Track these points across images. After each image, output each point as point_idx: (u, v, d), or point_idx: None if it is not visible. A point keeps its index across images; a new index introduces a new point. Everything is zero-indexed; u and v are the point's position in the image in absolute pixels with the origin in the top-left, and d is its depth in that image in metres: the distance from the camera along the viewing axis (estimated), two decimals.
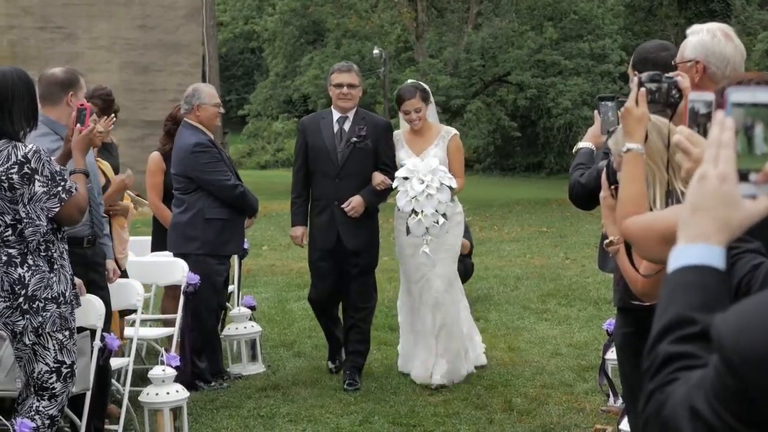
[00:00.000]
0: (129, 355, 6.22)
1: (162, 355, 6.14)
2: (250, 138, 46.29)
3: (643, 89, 3.07)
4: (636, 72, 4.16)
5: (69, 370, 4.83)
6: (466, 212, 8.16)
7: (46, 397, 4.77)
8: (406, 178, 6.97)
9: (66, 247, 4.87)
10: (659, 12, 35.78)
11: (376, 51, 32.53)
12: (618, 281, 3.79)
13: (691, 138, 2.18)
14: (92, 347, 5.35)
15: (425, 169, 6.94)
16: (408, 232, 7.01)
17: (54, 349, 4.75)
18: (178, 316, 6.98)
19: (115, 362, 5.93)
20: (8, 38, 26.08)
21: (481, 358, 7.64)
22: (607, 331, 6.34)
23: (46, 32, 26.35)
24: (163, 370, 5.95)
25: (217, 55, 31.74)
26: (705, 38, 3.76)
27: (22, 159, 4.58)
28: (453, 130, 7.42)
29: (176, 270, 7.08)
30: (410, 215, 6.93)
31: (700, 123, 2.21)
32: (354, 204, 7.09)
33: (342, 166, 7.16)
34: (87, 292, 5.30)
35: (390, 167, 7.22)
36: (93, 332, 5.38)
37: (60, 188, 4.66)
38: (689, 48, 3.78)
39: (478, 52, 29.87)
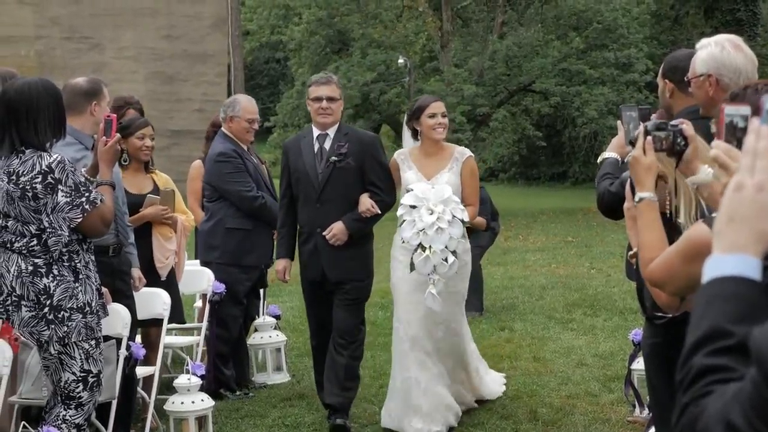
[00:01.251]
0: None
1: (187, 364, 6.15)
2: (276, 148, 46.42)
3: (649, 138, 3.08)
4: (666, 80, 4.14)
5: (96, 379, 4.84)
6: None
7: (72, 406, 4.79)
8: (413, 207, 6.14)
9: (92, 257, 4.87)
10: (685, 21, 35.58)
11: (401, 60, 32.52)
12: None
13: (729, 153, 2.15)
14: (118, 356, 5.37)
15: (436, 198, 6.10)
16: (412, 268, 6.15)
17: (80, 359, 4.77)
18: (204, 324, 7.00)
19: (140, 371, 5.94)
20: (36, 48, 26.28)
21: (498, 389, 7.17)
22: (633, 341, 6.30)
23: (72, 42, 26.53)
24: (189, 379, 5.96)
25: (243, 65, 31.85)
26: (714, 51, 3.75)
27: (46, 169, 4.60)
28: (467, 152, 6.54)
29: (202, 278, 7.09)
30: (416, 250, 6.08)
31: (739, 138, 2.18)
32: (335, 231, 6.27)
33: (322, 189, 6.35)
34: (113, 301, 5.32)
35: (380, 187, 6.41)
36: (119, 341, 5.40)
37: (83, 199, 4.67)
38: (699, 62, 3.77)
39: (502, 61, 29.79)
